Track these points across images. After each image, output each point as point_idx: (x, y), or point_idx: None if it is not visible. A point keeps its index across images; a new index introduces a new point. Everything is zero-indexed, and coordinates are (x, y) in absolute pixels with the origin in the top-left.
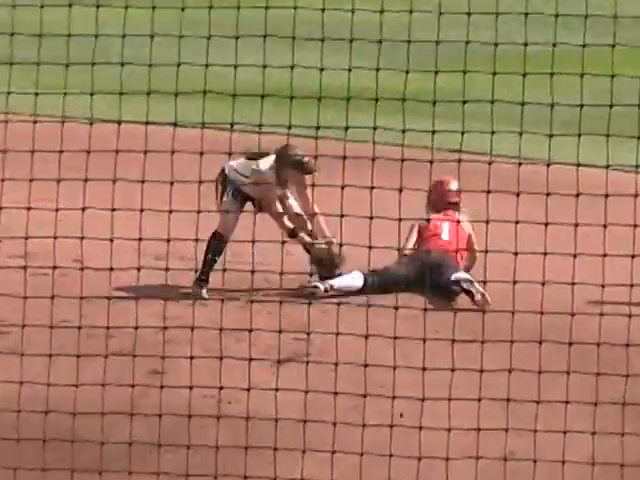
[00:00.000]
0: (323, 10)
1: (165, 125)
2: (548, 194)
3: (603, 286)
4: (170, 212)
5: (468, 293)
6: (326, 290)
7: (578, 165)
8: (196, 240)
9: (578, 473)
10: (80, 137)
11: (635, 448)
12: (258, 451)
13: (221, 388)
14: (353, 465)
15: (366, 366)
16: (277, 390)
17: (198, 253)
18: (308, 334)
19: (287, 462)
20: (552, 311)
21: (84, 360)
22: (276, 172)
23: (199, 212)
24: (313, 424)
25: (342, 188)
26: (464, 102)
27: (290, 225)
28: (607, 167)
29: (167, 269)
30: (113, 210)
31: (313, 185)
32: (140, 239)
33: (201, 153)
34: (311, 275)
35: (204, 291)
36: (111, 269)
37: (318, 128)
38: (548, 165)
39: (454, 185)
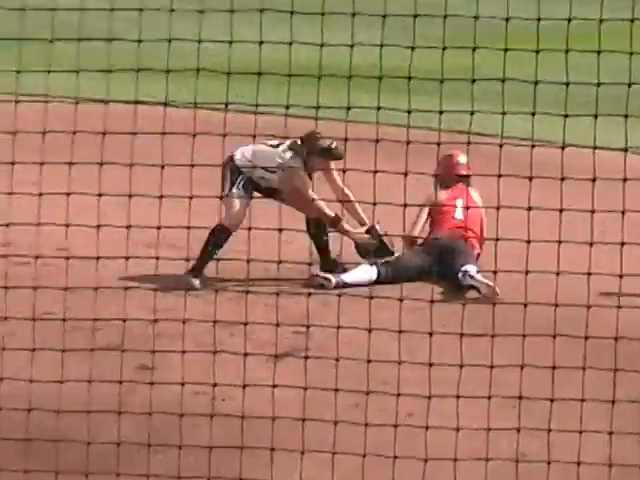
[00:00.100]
0: None
1: (156, 105)
2: (563, 179)
3: (621, 276)
4: (161, 197)
5: (474, 288)
6: (337, 285)
7: (595, 148)
8: (188, 227)
9: (594, 475)
10: (65, 117)
11: None
12: (254, 452)
13: (215, 385)
14: (355, 467)
15: (369, 362)
16: (274, 387)
17: (191, 241)
18: (307, 327)
19: (285, 463)
20: (567, 303)
21: (69, 355)
22: (303, 160)
23: (191, 198)
24: (312, 423)
25: (344, 172)
26: (473, 81)
27: (331, 213)
28: (625, 150)
29: (157, 258)
30: (100, 195)
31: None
32: (129, 226)
33: (194, 135)
34: (310, 265)
35: (197, 281)
36: (97, 258)
37: (318, 108)
38: (563, 147)
39: (463, 158)
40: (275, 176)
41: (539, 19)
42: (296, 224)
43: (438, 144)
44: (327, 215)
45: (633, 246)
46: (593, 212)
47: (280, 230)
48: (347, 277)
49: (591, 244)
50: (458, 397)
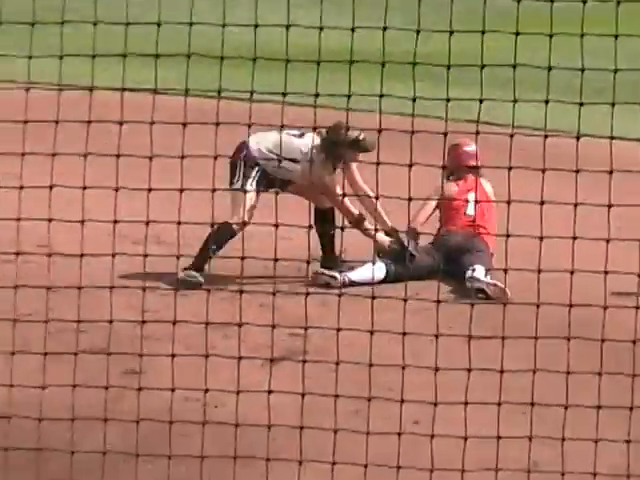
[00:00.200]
0: None
1: (144, 92)
2: (577, 171)
3: (639, 276)
4: (149, 190)
5: (482, 291)
6: (343, 284)
7: (612, 138)
8: (179, 223)
9: None
10: (47, 105)
11: None
12: (248, 461)
13: (207, 390)
14: (356, 477)
15: (371, 366)
16: (270, 392)
17: (182, 237)
18: (305, 329)
19: (281, 474)
20: (581, 303)
21: (52, 358)
22: (327, 153)
23: (182, 191)
24: (311, 431)
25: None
26: (482, 67)
27: (356, 211)
28: None
29: (146, 255)
30: (84, 188)
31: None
32: (115, 221)
33: (184, 124)
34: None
35: (200, 276)
36: (82, 255)
37: (317, 96)
38: (577, 137)
39: (472, 147)
40: (298, 166)
41: (552, 0)
42: (296, 219)
43: (445, 134)
44: (352, 214)
45: None
46: (610, 206)
47: (276, 226)
48: (354, 275)
49: (608, 240)
50: (466, 403)
